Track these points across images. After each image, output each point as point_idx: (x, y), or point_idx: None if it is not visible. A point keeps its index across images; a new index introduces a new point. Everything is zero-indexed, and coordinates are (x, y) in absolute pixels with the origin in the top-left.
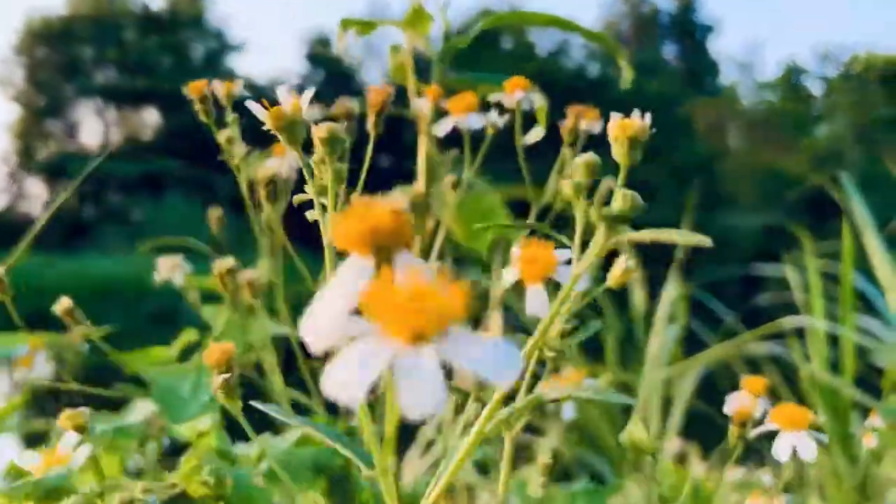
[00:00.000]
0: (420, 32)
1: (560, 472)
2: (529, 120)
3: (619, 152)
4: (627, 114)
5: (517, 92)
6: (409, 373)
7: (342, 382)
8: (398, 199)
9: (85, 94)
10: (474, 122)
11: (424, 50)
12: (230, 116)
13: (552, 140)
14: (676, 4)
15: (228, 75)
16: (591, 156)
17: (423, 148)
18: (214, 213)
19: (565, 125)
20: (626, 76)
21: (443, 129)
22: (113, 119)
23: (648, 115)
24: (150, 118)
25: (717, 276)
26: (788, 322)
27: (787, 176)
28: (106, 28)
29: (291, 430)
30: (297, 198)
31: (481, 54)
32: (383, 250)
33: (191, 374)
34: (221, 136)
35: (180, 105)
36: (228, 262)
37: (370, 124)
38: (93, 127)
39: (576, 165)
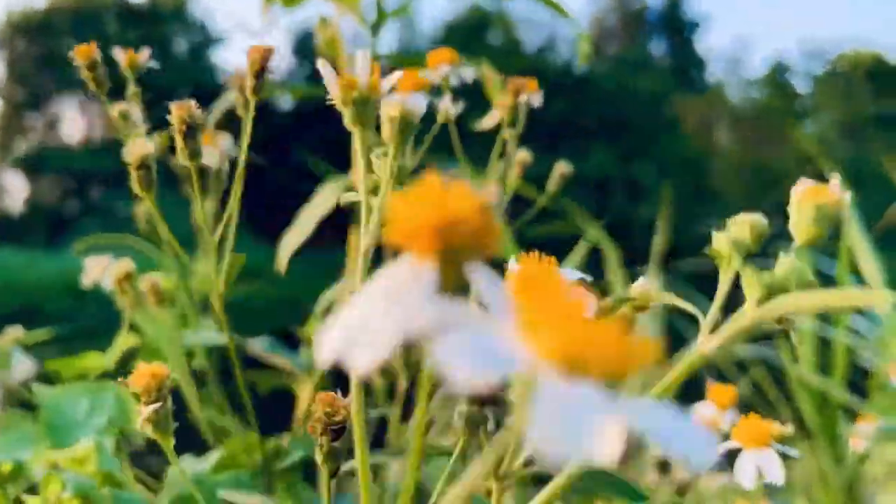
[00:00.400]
0: (349, 4)
1: (541, 476)
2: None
3: (801, 223)
4: (618, 109)
5: (441, 66)
6: (565, 405)
7: (463, 360)
8: (488, 189)
9: (66, 87)
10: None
11: (356, 22)
12: (131, 89)
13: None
14: (664, 0)
15: (212, 68)
16: (759, 219)
17: (357, 136)
18: (141, 209)
19: (503, 102)
20: (584, 51)
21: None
22: (95, 113)
23: (849, 194)
24: (134, 112)
25: (700, 270)
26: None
27: (774, 172)
28: (86, 21)
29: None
30: (345, 197)
31: (468, 49)
32: (455, 256)
33: (91, 392)
34: (114, 110)
35: (164, 99)
36: (125, 264)
37: (248, 88)
38: (74, 121)
39: (741, 224)
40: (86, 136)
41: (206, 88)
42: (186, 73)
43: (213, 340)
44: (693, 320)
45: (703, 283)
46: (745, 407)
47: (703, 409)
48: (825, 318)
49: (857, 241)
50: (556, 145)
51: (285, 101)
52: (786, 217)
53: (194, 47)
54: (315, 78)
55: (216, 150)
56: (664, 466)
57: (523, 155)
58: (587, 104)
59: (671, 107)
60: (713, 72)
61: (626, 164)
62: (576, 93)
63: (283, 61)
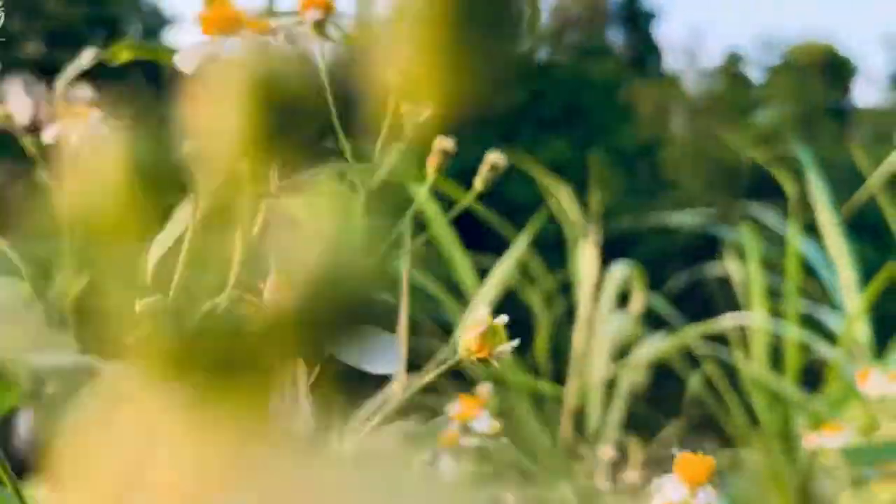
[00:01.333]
0: None
1: (488, 474)
2: None
3: None
4: (573, 97)
5: (310, 11)
6: None
7: None
8: None
9: (11, 68)
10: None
11: None
12: None
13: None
14: None
15: (166, 50)
16: None
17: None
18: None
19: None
20: None
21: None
22: (42, 94)
23: None
24: (83, 94)
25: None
26: (730, 320)
27: (728, 162)
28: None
29: None
30: None
31: None
32: None
33: None
34: None
35: (114, 81)
36: None
37: None
38: (21, 102)
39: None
40: (32, 118)
41: (161, 71)
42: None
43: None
44: (658, 324)
45: (657, 270)
46: (696, 403)
47: (670, 488)
48: (778, 313)
49: (827, 220)
50: (516, 134)
51: None
52: (736, 205)
53: (146, 28)
54: None
55: (79, 124)
56: (616, 467)
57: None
58: (546, 91)
59: (628, 95)
60: (670, 61)
61: (583, 151)
62: (534, 80)
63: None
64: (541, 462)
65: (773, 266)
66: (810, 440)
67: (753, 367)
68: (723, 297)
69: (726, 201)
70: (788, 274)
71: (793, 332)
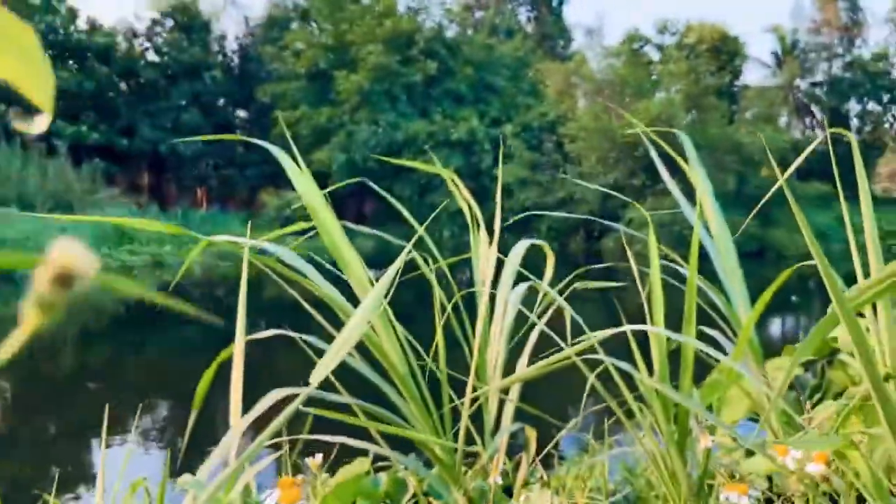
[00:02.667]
0: None
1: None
2: None
3: None
4: (483, 75)
5: None
6: None
7: None
8: None
9: None
10: None
11: None
12: None
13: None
14: None
15: (69, 15)
16: None
17: None
18: None
19: None
20: None
21: None
22: None
23: None
24: None
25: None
26: (629, 327)
27: (625, 139)
28: None
29: None
30: None
31: (342, 8)
32: None
33: None
34: None
35: None
36: None
37: None
38: None
39: None
40: None
41: (63, 35)
42: (41, 17)
43: None
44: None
45: (561, 241)
46: (597, 398)
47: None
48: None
49: (707, 202)
50: (432, 109)
51: (151, 55)
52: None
53: None
54: (176, 30)
55: None
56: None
57: None
58: (456, 67)
59: (536, 74)
60: (576, 42)
61: (493, 127)
62: (444, 55)
63: (144, 12)
64: (437, 466)
65: (668, 249)
66: (705, 440)
67: (650, 378)
68: (621, 270)
69: (625, 176)
70: (688, 294)
71: (688, 338)
